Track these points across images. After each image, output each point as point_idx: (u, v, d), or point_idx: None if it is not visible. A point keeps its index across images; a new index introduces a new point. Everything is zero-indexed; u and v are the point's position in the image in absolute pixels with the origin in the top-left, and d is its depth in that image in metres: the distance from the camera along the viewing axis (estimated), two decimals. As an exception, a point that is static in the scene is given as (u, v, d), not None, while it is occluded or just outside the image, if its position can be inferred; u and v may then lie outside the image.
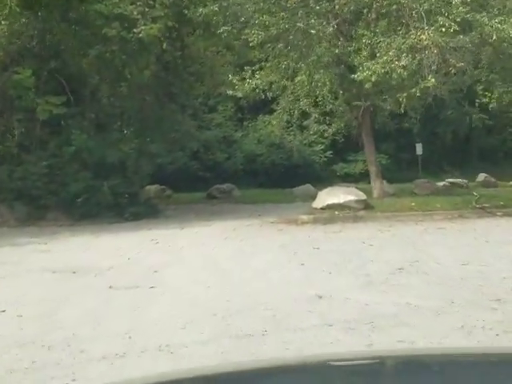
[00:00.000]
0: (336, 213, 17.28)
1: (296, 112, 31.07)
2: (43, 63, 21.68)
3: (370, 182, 28.34)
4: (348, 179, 30.19)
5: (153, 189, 26.59)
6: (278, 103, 32.17)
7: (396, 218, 16.93)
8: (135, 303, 8.45)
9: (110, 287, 9.53)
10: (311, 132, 30.58)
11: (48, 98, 21.25)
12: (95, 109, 22.66)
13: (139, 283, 9.71)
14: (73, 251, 13.69)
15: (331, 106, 20.88)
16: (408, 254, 11.55)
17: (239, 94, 20.90)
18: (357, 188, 19.69)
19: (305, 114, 31.36)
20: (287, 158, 30.54)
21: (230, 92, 21.18)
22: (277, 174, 29.60)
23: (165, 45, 20.19)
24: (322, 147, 31.53)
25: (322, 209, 17.71)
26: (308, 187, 26.88)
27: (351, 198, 17.50)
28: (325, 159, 31.37)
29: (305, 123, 31.63)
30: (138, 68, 21.25)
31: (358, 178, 30.32)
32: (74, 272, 11.01)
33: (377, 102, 18.83)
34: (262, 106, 32.67)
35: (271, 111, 32.62)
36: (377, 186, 20.34)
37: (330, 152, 31.41)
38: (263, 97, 26.20)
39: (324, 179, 30.20)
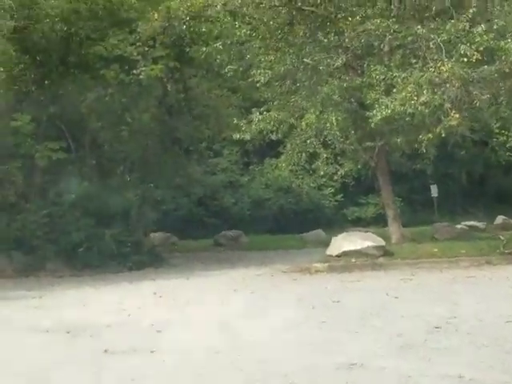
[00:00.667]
0: (353, 260, 15.97)
1: (304, 154, 29.96)
2: (42, 109, 20.56)
3: (383, 226, 27.08)
4: (359, 223, 28.92)
5: (157, 236, 25.32)
6: (284, 146, 31.11)
7: (418, 266, 15.61)
8: (131, 373, 7.12)
9: (106, 351, 8.21)
10: (321, 173, 29.32)
11: (47, 143, 20.13)
12: (96, 154, 21.50)
13: (138, 346, 8.39)
14: (69, 307, 12.36)
15: (341, 145, 19.49)
16: (441, 308, 10.19)
17: (246, 137, 19.69)
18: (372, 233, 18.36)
19: (313, 156, 30.20)
20: (296, 202, 29.26)
21: (236, 136, 19.96)
22: (286, 219, 28.33)
23: (169, 86, 19.02)
24: (332, 190, 30.27)
25: (337, 256, 16.39)
26: (319, 232, 25.61)
27: (369, 243, 16.19)
28: (335, 203, 30.07)
29: (314, 166, 30.45)
30: (138, 111, 20.11)
31: (370, 222, 29.05)
32: (68, 332, 9.69)
33: (392, 141, 17.54)
34: (269, 149, 31.51)
35: (278, 154, 31.50)
36: (395, 230, 19.00)
37: (341, 195, 30.12)
38: (271, 138, 25.12)
39: (334, 224, 28.93)
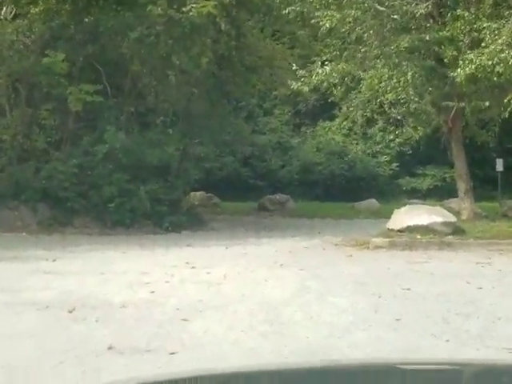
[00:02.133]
0: (418, 237, 13.54)
1: (360, 118, 27.47)
2: (79, 47, 18.42)
3: (440, 200, 24.54)
4: (415, 195, 26.39)
5: (198, 196, 23.17)
6: (340, 108, 28.59)
7: (494, 247, 13.13)
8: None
9: (110, 348, 6.00)
10: (377, 139, 26.98)
11: (82, 86, 17.96)
12: (136, 102, 19.25)
13: (154, 343, 6.15)
14: (85, 274, 10.19)
15: (415, 105, 16.77)
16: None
17: (305, 89, 17.21)
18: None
19: (370, 121, 27.67)
20: (348, 168, 26.74)
21: (294, 86, 17.46)
22: (336, 186, 25.88)
23: (222, 25, 16.51)
24: (387, 158, 27.68)
25: (399, 231, 13.97)
26: (372, 202, 23.22)
27: (438, 219, 13.72)
28: (390, 172, 27.49)
29: (370, 131, 27.95)
30: (186, 56, 17.70)
31: (426, 195, 26.52)
32: (71, 311, 7.52)
33: (474, 104, 14.92)
34: (322, 111, 29.07)
35: (332, 117, 29.05)
36: (467, 205, 16.49)
37: (396, 164, 27.52)
38: (327, 98, 22.75)
39: (388, 194, 26.47)
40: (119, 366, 5.48)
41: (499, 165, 23.91)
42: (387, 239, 13.46)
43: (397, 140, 27.13)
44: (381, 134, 27.62)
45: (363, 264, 11.51)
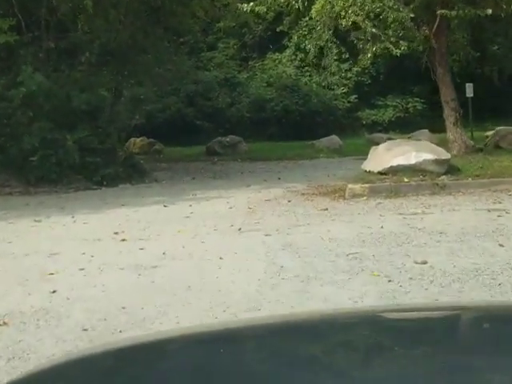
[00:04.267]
0: (405, 180, 10.65)
1: (312, 48, 24.42)
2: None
3: (404, 133, 21.80)
4: (376, 128, 23.51)
5: (137, 143, 20.04)
6: (290, 38, 25.46)
7: (500, 188, 10.34)
8: None
9: None
10: (332, 70, 24.00)
11: (-9, 21, 14.55)
12: (55, 35, 15.82)
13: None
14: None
15: (395, 14, 13.31)
16: None
17: (262, 9, 14.10)
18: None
19: (323, 49, 24.66)
20: (303, 103, 23.62)
21: (245, 7, 14.36)
22: (290, 124, 22.79)
23: None
24: (345, 90, 24.60)
25: (380, 173, 11.05)
26: (333, 139, 20.33)
27: (427, 156, 10.79)
28: (348, 105, 24.45)
29: (323, 62, 24.91)
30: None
31: (388, 127, 23.68)
32: None
33: (469, 11, 11.86)
34: (270, 42, 25.90)
35: (282, 48, 25.90)
36: (457, 137, 13.66)
37: (354, 96, 24.48)
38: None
39: (347, 129, 23.59)
40: None
41: (469, 90, 21.10)
42: (367, 185, 10.50)
43: (354, 69, 24.10)
44: (336, 63, 24.54)
45: (345, 221, 8.59)
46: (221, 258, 6.59)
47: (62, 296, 5.49)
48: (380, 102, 24.34)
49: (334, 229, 7.95)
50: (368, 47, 13.70)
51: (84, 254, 7.14)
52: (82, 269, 6.42)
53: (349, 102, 24.40)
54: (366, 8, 12.82)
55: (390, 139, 17.93)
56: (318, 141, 20.12)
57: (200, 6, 18.75)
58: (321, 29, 24.03)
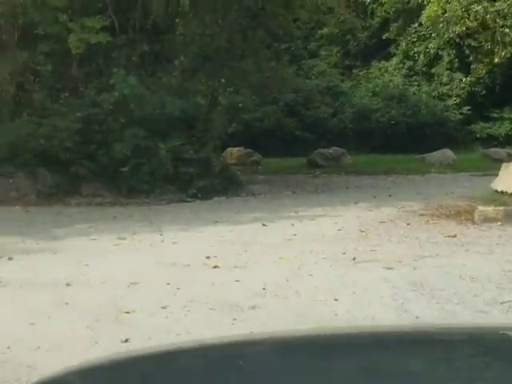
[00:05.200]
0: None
1: (422, 55, 22.92)
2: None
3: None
4: (491, 143, 21.63)
5: (234, 153, 18.88)
6: (397, 45, 23.96)
7: None
8: None
9: None
10: (443, 79, 22.34)
11: (84, 20, 13.84)
12: (149, 38, 14.91)
13: None
14: (53, 283, 6.04)
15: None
16: None
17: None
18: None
19: (434, 58, 23.09)
20: (412, 114, 21.99)
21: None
22: (397, 136, 21.19)
23: None
24: (457, 101, 22.80)
25: (512, 194, 9.49)
26: (445, 153, 18.75)
27: None
28: (460, 117, 22.64)
29: (434, 70, 23.24)
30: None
31: (503, 142, 21.76)
32: None
33: None
34: (375, 50, 24.42)
35: (388, 56, 24.39)
36: None
37: (468, 107, 22.64)
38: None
39: (459, 142, 21.80)
40: None
41: None
42: (501, 207, 8.97)
43: (467, 79, 22.30)
44: (447, 72, 22.79)
45: (481, 253, 7.11)
46: (336, 300, 5.28)
47: (136, 348, 4.29)
48: (495, 115, 22.41)
49: (471, 263, 6.51)
50: (497, 50, 12.11)
51: (169, 284, 5.96)
52: (165, 307, 5.23)
53: (461, 113, 22.57)
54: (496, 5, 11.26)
55: (510, 155, 16.29)
56: (428, 154, 18.53)
57: (304, 9, 17.60)
58: (432, 35, 22.53)
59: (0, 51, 14.83)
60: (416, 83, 23.39)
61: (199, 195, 13.75)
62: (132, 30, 14.86)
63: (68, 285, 6.07)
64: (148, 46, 14.77)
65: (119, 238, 8.49)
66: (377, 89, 23.05)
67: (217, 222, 9.89)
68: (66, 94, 14.81)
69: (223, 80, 16.44)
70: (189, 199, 13.66)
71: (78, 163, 13.83)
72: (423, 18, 20.61)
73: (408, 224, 9.04)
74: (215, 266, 6.72)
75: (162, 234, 8.76)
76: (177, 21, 15.28)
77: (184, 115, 14.37)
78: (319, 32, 24.74)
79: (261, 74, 18.07)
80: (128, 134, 13.78)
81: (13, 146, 13.97)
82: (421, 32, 23.06)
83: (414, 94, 22.91)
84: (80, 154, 13.83)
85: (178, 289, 5.79)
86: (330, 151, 18.93)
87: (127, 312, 5.09)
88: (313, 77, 23.91)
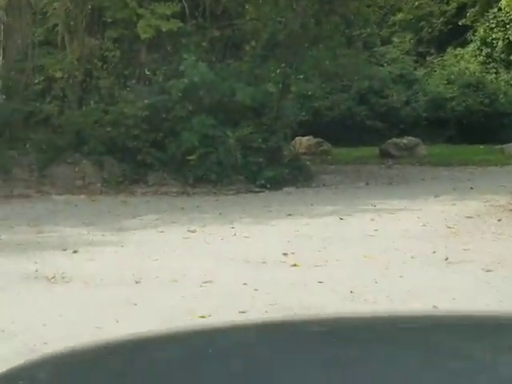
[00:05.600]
0: None
1: (501, 43, 21.93)
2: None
3: None
4: None
5: (304, 142, 18.28)
6: (475, 31, 22.96)
7: None
8: None
9: None
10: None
11: (154, 6, 13.52)
12: (219, 23, 14.42)
13: None
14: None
15: None
16: None
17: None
18: None
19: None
20: (489, 103, 21.01)
21: None
22: (473, 125, 20.28)
23: None
24: (537, 88, 21.71)
25: None
26: (526, 144, 17.72)
27: None
28: (541, 105, 21.56)
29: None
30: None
31: None
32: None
33: None
34: (450, 36, 23.46)
35: (464, 43, 23.42)
36: None
37: (549, 95, 21.55)
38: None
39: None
40: None
41: None
42: None
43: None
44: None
45: None
46: (435, 307, 4.66)
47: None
48: None
49: None
50: None
51: (245, 284, 5.45)
52: (244, 311, 4.71)
53: (542, 101, 21.49)
54: None
55: None
56: (508, 145, 17.61)
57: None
58: None
59: (68, 38, 14.59)
60: (494, 71, 22.38)
61: (268, 185, 13.27)
62: (202, 15, 14.41)
63: (137, 282, 5.63)
64: (218, 32, 14.27)
65: (188, 231, 8.04)
66: (452, 76, 22.11)
67: (290, 214, 9.35)
68: (134, 81, 14.41)
69: (294, 66, 15.84)
70: (257, 189, 13.20)
71: (144, 151, 13.49)
72: (503, 3, 19.70)
73: (499, 220, 8.34)
74: (294, 265, 6.19)
75: (233, 227, 8.26)
76: (246, 7, 14.70)
77: (254, 103, 13.87)
78: (392, 18, 23.94)
79: (334, 60, 17.42)
80: (196, 122, 13.36)
81: (79, 133, 13.72)
82: (500, 18, 22.04)
83: (492, 81, 21.91)
84: (147, 142, 13.49)
85: (255, 290, 5.27)
86: (404, 141, 18.16)
87: (202, 316, 4.60)
88: (385, 64, 23.11)
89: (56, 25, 15.20)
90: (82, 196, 12.38)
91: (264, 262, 6.34)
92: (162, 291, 5.34)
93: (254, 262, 6.36)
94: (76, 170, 13.68)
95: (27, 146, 13.39)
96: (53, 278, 5.70)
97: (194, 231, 8.03)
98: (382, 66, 22.79)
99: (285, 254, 6.59)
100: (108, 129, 13.55)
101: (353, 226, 8.27)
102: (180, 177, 13.62)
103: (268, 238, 7.55)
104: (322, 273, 5.82)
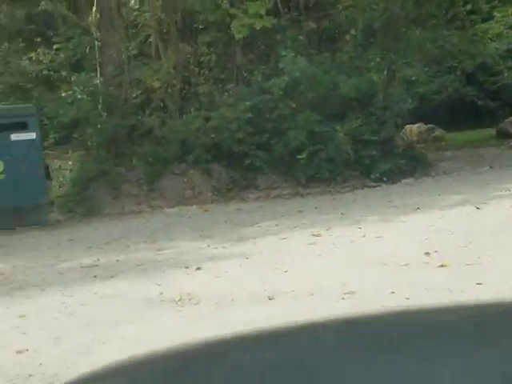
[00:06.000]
0: None
1: None
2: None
3: None
4: None
5: (414, 130, 17.42)
6: None
7: None
8: None
9: None
10: None
11: (247, 6, 13.13)
12: (314, 14, 13.78)
13: None
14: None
15: None
16: None
17: None
18: None
19: None
20: None
21: None
22: None
23: None
24: None
25: None
26: None
27: None
28: None
29: None
30: None
31: None
32: None
33: None
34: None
35: None
36: None
37: None
38: None
39: None
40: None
41: None
42: None
43: None
44: None
45: None
46: None
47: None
48: None
49: None
50: None
51: (393, 293, 4.81)
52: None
53: None
54: None
55: None
56: None
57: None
58: None
59: (162, 47, 14.32)
60: None
61: (384, 179, 12.58)
62: (295, 8, 13.84)
63: (270, 299, 5.07)
64: (314, 24, 13.65)
65: (313, 235, 7.45)
66: None
67: (418, 208, 8.61)
68: (232, 84, 13.98)
69: (397, 52, 15.04)
70: (373, 184, 12.52)
71: (251, 155, 13.03)
72: None
73: None
74: (441, 265, 5.49)
75: (360, 227, 7.61)
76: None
77: (359, 94, 13.18)
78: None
79: (438, 42, 16.49)
80: (301, 120, 12.80)
81: (184, 142, 13.40)
82: None
83: None
84: (253, 145, 13.03)
85: (407, 299, 4.62)
86: (525, 119, 17.01)
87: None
88: (489, 41, 21.85)
89: (148, 36, 15.00)
90: (194, 206, 12.03)
91: (406, 265, 5.68)
92: (301, 308, 4.76)
93: (393, 265, 5.70)
94: (185, 180, 13.37)
95: (133, 160, 13.16)
96: (179, 300, 5.22)
97: (319, 235, 7.43)
98: (485, 43, 21.55)
99: (427, 254, 5.90)
100: (212, 135, 13.17)
101: (493, 214, 7.47)
102: (291, 178, 13.10)
103: (402, 237, 6.87)
104: (476, 273, 5.11)
